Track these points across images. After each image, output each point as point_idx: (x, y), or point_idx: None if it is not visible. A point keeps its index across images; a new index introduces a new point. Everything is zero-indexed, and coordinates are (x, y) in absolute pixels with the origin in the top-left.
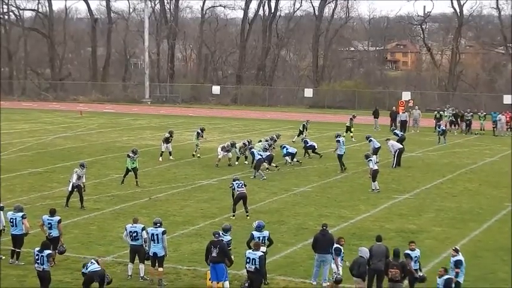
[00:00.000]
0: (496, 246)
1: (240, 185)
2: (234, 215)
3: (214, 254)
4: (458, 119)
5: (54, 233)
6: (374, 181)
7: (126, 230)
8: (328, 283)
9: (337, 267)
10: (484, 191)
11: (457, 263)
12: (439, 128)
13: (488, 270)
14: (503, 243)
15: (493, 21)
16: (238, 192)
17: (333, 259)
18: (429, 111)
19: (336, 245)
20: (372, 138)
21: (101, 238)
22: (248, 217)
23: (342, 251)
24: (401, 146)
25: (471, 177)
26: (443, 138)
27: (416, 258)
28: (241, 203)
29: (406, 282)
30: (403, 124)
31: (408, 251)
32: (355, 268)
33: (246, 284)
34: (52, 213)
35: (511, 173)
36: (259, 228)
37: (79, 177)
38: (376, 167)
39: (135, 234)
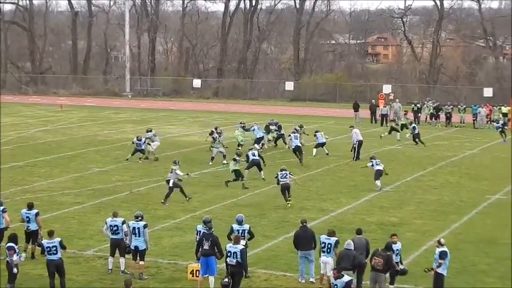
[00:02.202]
0: (477, 238)
1: (284, 175)
2: (287, 202)
3: (206, 247)
4: (439, 112)
5: (33, 226)
6: (376, 180)
7: (106, 223)
8: (316, 278)
9: None
10: (464, 184)
11: (442, 254)
12: (497, 123)
13: (469, 263)
14: (484, 235)
15: (473, 14)
16: (281, 183)
17: (327, 253)
18: (410, 104)
19: (334, 238)
20: (317, 134)
21: (82, 232)
22: (289, 205)
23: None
24: (362, 139)
25: (452, 170)
26: (504, 135)
27: (397, 251)
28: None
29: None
30: (384, 117)
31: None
32: (345, 261)
33: (226, 279)
34: (30, 206)
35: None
36: (239, 222)
37: (176, 174)
38: (378, 168)
39: (115, 228)
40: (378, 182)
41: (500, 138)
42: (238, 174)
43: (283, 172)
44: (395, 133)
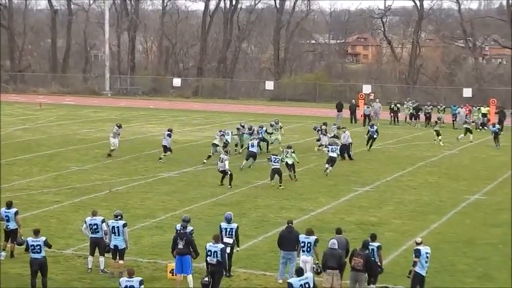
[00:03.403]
0: (456, 238)
1: (276, 160)
2: (271, 182)
3: (180, 246)
4: (419, 112)
5: (12, 225)
6: (327, 164)
7: (85, 222)
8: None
9: (318, 258)
10: (443, 184)
11: (415, 252)
12: (493, 127)
13: (448, 262)
14: (463, 235)
15: (453, 15)
16: (273, 167)
17: (307, 252)
18: (390, 104)
19: (313, 237)
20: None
21: (61, 231)
22: (296, 180)
23: None
24: (351, 141)
25: (431, 170)
26: (497, 141)
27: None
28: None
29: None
30: (366, 117)
31: (374, 243)
32: (331, 261)
33: (206, 279)
34: (8, 205)
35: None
36: (228, 220)
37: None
38: (332, 155)
39: (95, 226)
40: (328, 166)
41: (479, 138)
42: (290, 167)
43: (276, 157)
44: (469, 134)
